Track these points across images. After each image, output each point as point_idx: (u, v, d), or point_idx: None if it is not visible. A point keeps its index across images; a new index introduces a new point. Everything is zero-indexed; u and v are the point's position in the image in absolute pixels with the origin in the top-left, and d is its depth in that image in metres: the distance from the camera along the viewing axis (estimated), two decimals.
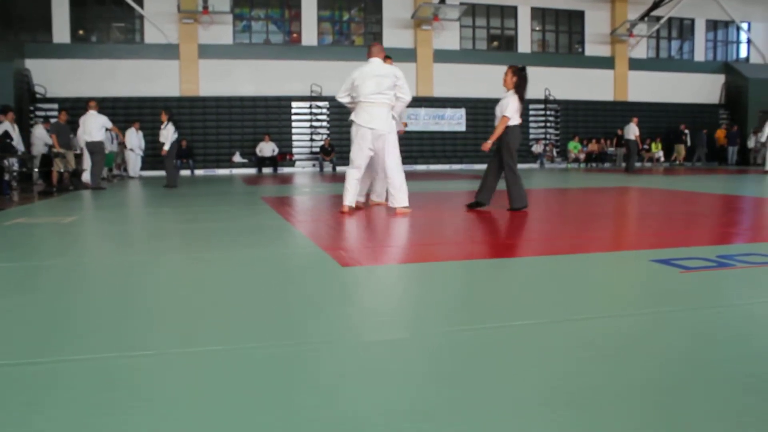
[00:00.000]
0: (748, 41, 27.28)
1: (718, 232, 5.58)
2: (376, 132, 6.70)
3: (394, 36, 22.70)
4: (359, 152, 6.80)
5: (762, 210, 7.07)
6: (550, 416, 1.62)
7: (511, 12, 24.36)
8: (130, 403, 1.72)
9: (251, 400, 1.74)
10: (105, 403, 1.71)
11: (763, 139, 16.85)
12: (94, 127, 12.12)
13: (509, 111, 6.67)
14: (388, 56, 7.35)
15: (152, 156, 18.48)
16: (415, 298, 3.11)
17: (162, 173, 13.88)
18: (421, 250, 4.61)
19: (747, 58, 27.30)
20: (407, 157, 22.27)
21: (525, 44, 24.51)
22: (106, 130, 12.60)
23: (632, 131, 18.09)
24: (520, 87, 6.74)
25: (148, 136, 18.44)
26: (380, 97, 6.71)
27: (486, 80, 23.29)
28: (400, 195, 6.74)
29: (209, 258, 4.29)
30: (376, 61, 7.01)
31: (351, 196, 6.85)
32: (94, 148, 12.18)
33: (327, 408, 1.68)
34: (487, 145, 6.79)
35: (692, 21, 26.45)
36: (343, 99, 7.02)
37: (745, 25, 27.06)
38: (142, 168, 18.54)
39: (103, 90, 19.63)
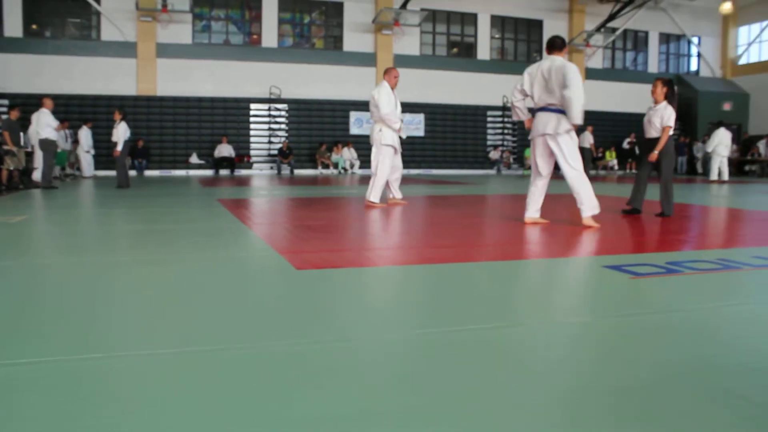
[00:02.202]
0: (699, 55, 28.08)
1: (667, 239, 5.72)
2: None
3: (354, 40, 22.71)
4: None
5: (708, 218, 7.27)
6: (502, 419, 1.64)
7: (471, 19, 24.60)
8: (82, 406, 1.69)
9: (203, 401, 1.73)
10: (59, 407, 1.68)
11: (709, 149, 17.29)
12: (43, 124, 11.91)
13: (672, 121, 6.97)
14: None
15: (106, 155, 18.11)
16: (368, 301, 3.11)
17: (115, 173, 13.58)
18: (379, 254, 4.61)
19: (697, 71, 28.10)
20: (366, 161, 22.32)
21: (484, 51, 24.77)
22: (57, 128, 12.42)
23: (587, 140, 18.49)
24: (672, 98, 7.09)
25: (104, 135, 18.07)
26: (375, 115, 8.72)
27: (445, 86, 23.49)
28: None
29: (161, 261, 4.23)
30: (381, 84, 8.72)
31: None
32: (45, 146, 11.93)
33: (282, 411, 1.68)
34: (654, 156, 7.08)
35: (646, 33, 27.09)
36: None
37: (695, 39, 27.84)
38: (96, 168, 18.17)
39: (57, 87, 19.17)
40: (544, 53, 6.23)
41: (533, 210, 6.38)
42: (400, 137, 8.58)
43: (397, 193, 8.68)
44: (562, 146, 6.05)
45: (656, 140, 7.08)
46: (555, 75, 5.96)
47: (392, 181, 8.65)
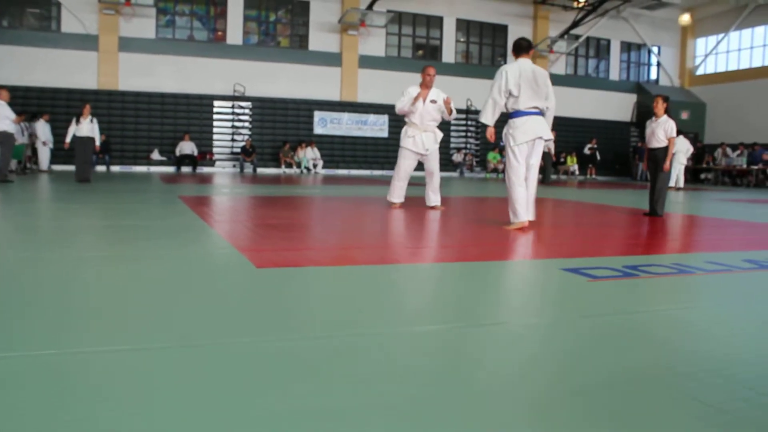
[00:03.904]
0: (658, 64, 28.73)
1: (624, 243, 5.83)
2: None
3: (320, 40, 22.65)
4: None
5: (664, 224, 7.44)
6: (453, 420, 1.66)
7: (437, 22, 24.75)
8: (42, 400, 1.67)
9: (153, 399, 1.72)
10: (24, 399, 1.66)
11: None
12: (0, 116, 11.65)
13: (675, 133, 7.88)
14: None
15: (63, 149, 17.72)
16: (328, 300, 3.11)
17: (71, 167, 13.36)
18: (340, 254, 4.62)
19: (657, 80, 28.73)
20: (329, 161, 22.30)
21: (449, 54, 24.94)
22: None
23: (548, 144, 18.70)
24: (671, 112, 7.99)
25: (62, 129, 17.65)
26: None
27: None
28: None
29: (119, 257, 4.18)
30: None
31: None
32: (3, 138, 11.68)
33: (243, 405, 1.68)
34: (667, 165, 7.89)
35: (608, 42, 27.60)
36: None
37: (655, 49, 28.48)
38: (53, 161, 17.78)
39: (15, 78, 18.71)
40: (510, 56, 6.25)
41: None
42: (428, 144, 8.39)
43: (429, 200, 8.16)
44: (541, 151, 6.22)
45: (659, 149, 7.88)
46: (542, 80, 6.06)
47: (426, 186, 8.23)
